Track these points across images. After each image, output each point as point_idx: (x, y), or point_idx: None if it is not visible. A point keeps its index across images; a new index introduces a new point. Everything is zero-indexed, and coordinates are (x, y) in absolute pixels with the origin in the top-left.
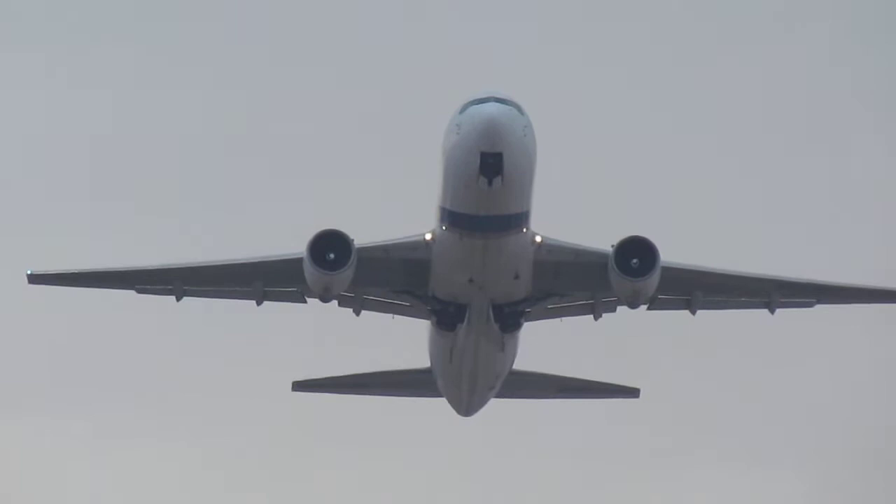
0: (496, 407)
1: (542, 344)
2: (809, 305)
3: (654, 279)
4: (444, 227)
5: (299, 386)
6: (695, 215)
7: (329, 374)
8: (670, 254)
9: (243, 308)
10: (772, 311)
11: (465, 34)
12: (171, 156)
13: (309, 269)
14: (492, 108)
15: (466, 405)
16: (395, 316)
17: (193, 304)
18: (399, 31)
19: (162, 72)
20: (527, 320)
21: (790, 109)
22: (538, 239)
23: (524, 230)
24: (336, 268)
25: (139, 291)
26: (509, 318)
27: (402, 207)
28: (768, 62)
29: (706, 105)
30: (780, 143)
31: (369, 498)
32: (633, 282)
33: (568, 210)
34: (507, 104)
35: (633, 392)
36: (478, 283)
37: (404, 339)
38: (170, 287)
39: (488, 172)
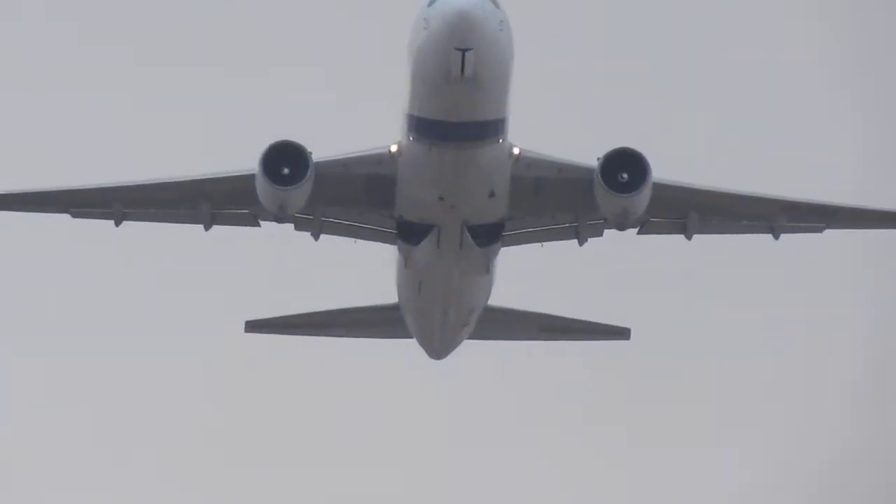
0: (471, 348)
1: (521, 274)
2: (818, 230)
3: (644, 195)
4: (410, 138)
5: (253, 326)
6: (690, 130)
7: (286, 309)
8: (663, 171)
9: (190, 233)
10: (776, 237)
11: None
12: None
13: (262, 184)
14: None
15: (438, 345)
16: (358, 241)
17: (134, 230)
18: None
19: None
20: (504, 245)
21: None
22: (516, 151)
23: (500, 140)
24: (291, 183)
25: (74, 215)
26: (483, 240)
27: (364, 119)
28: None
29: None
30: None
31: (331, 453)
32: (621, 198)
33: (548, 123)
34: None
35: (622, 333)
36: (449, 202)
37: (369, 269)
38: (108, 209)
39: (460, 71)
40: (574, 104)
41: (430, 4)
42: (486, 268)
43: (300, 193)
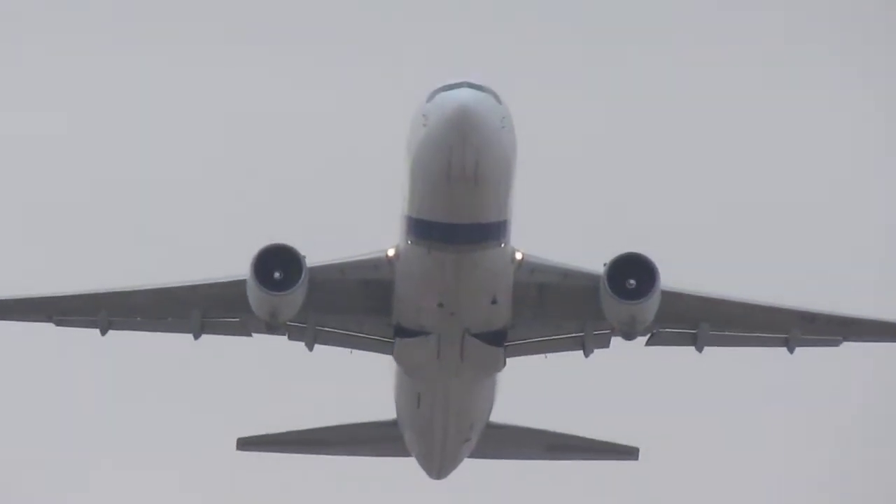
0: (473, 468)
1: (524, 388)
2: (835, 344)
3: (652, 302)
4: (409, 241)
5: (245, 444)
6: (699, 236)
7: (279, 422)
8: (671, 279)
9: (178, 344)
10: (791, 350)
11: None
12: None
13: (253, 289)
14: (464, 94)
15: (438, 464)
16: (354, 351)
17: (120, 340)
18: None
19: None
20: (507, 356)
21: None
22: (519, 256)
23: (502, 244)
24: (284, 288)
25: (58, 324)
26: (486, 350)
27: (361, 224)
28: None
29: (710, 108)
30: (796, 153)
31: None
32: (628, 305)
33: (553, 226)
34: (482, 91)
35: (631, 453)
36: (449, 308)
37: (365, 380)
38: (93, 318)
39: (460, 171)
40: (575, 204)
41: (429, 99)
42: (488, 377)
43: (293, 299)
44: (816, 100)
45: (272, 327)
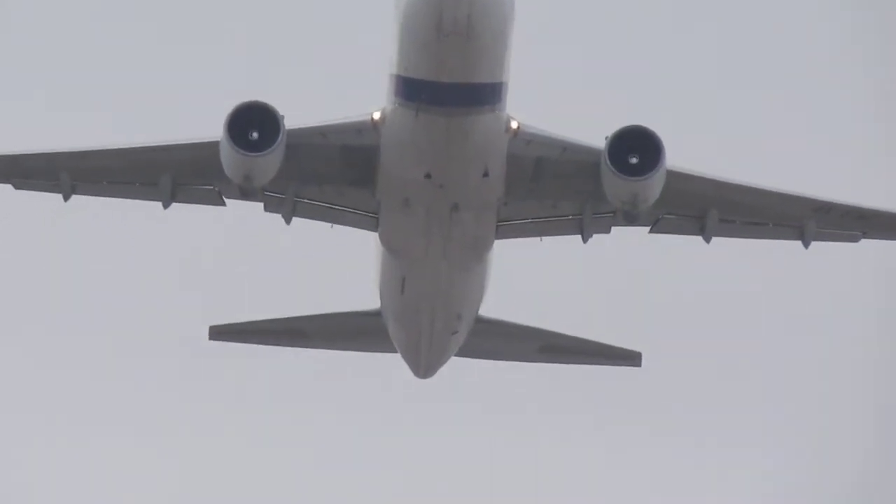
0: (461, 367)
1: (517, 276)
2: (854, 239)
3: (656, 180)
4: (396, 103)
5: (218, 333)
6: (710, 117)
7: (254, 305)
8: (678, 161)
9: (146, 212)
10: (806, 245)
11: None
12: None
13: (227, 149)
14: None
15: (424, 359)
16: (334, 225)
17: (85, 208)
18: None
19: None
20: (498, 237)
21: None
22: (514, 125)
23: (497, 110)
24: (260, 149)
25: (17, 186)
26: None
27: (347, 87)
28: None
29: None
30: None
31: (302, 476)
32: (631, 181)
33: (551, 99)
34: None
35: (633, 358)
36: (437, 180)
37: (347, 263)
38: (55, 180)
39: (452, 22)
40: (575, 81)
41: None
42: (478, 259)
43: (269, 162)
44: None
45: (247, 192)
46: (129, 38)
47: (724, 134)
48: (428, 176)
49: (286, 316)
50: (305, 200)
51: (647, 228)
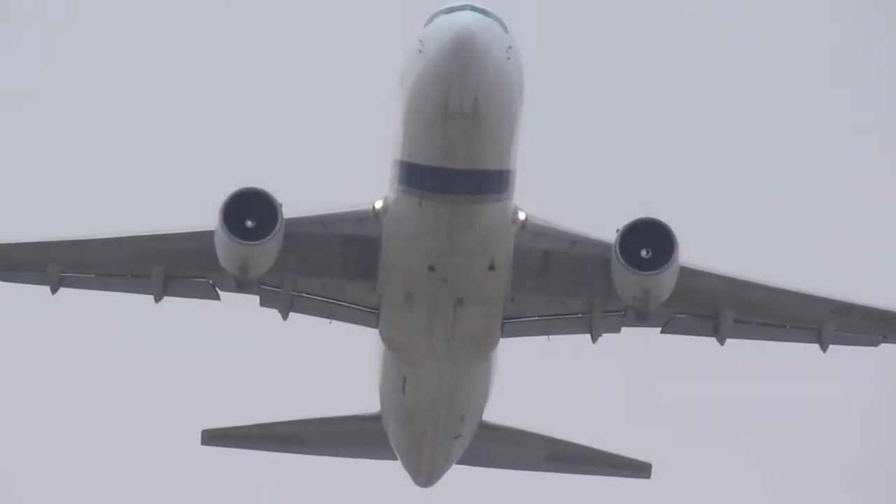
0: (464, 476)
1: (523, 376)
2: (873, 343)
3: (668, 275)
4: (399, 191)
5: (211, 437)
6: (719, 213)
7: (249, 406)
8: (691, 257)
9: (137, 305)
10: (823, 348)
11: None
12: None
13: (222, 238)
14: (466, 17)
15: (426, 466)
16: (333, 321)
17: (73, 301)
18: None
19: None
20: (504, 336)
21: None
22: (522, 216)
23: (503, 199)
24: (257, 238)
25: (3, 278)
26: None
27: (347, 175)
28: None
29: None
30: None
31: None
32: (642, 276)
33: (558, 190)
34: (487, 15)
35: (643, 469)
36: (441, 272)
37: (347, 360)
38: (42, 272)
39: (458, 105)
40: (583, 172)
41: (427, 24)
42: (483, 358)
43: (267, 250)
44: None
45: (242, 284)
46: (120, 124)
47: (739, 229)
48: (431, 268)
49: (282, 419)
50: (303, 294)
51: (659, 329)
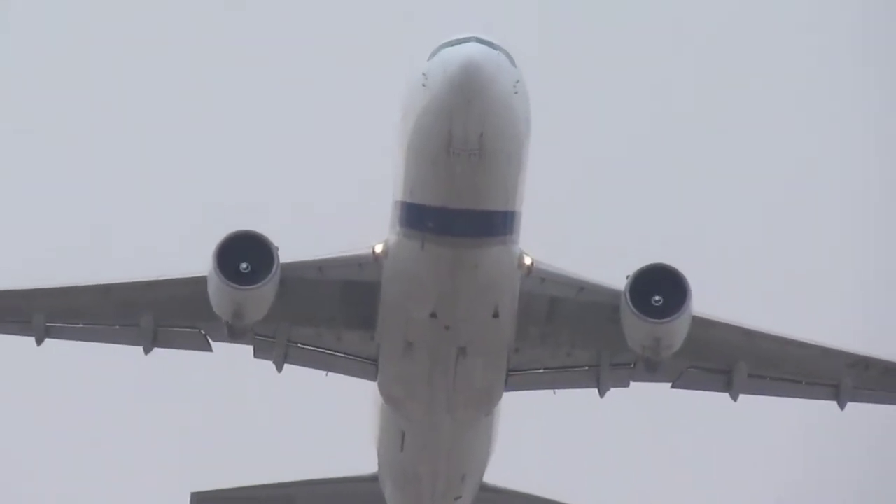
0: None
1: (525, 431)
2: (894, 401)
3: (680, 323)
4: (400, 233)
5: (201, 501)
6: (733, 259)
7: (241, 464)
8: (702, 308)
9: (126, 357)
10: (841, 405)
11: None
12: None
13: (216, 282)
14: (472, 49)
15: None
16: (330, 373)
17: (59, 353)
18: None
19: None
20: (508, 389)
21: None
22: (528, 261)
23: (509, 243)
24: (252, 283)
25: None
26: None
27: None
28: None
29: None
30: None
31: None
32: (653, 324)
33: (565, 236)
34: (494, 48)
35: None
36: (443, 320)
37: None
38: (26, 322)
39: (462, 141)
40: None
41: (430, 57)
42: (485, 413)
43: (262, 295)
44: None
45: (236, 332)
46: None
47: (751, 279)
48: (433, 315)
49: (275, 481)
50: (299, 345)
51: (669, 384)
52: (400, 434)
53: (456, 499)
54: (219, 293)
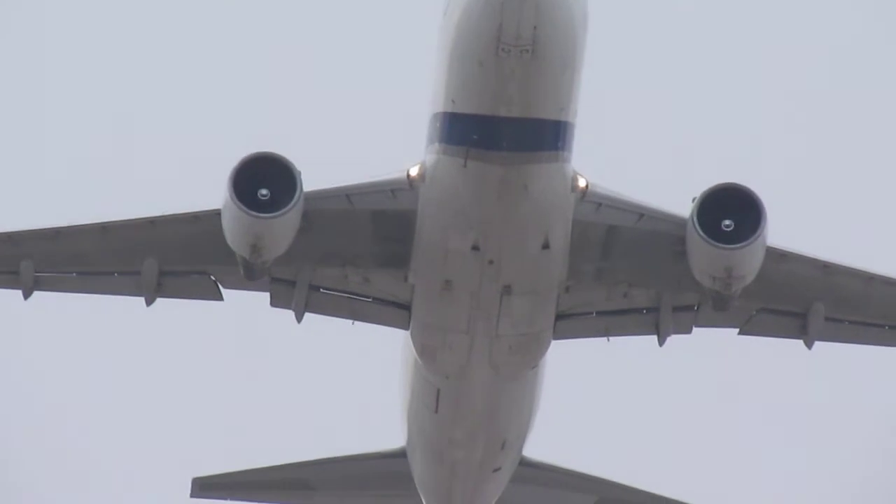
0: None
1: (570, 390)
2: None
3: (755, 250)
4: (440, 151)
5: (202, 487)
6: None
7: (247, 440)
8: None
9: (124, 309)
10: None
11: None
12: None
13: (232, 210)
14: None
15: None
16: (357, 322)
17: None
18: None
19: None
20: (556, 336)
21: None
22: (582, 183)
23: (562, 160)
24: (272, 210)
25: None
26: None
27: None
28: None
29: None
30: None
31: None
32: (725, 251)
33: (622, 160)
34: None
35: None
36: (486, 253)
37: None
38: (14, 273)
39: (514, 35)
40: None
41: None
42: (530, 364)
43: (284, 225)
44: None
45: (253, 272)
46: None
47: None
48: (475, 247)
49: (287, 462)
50: (321, 290)
51: (737, 330)
52: (434, 393)
53: (495, 470)
54: (235, 224)
